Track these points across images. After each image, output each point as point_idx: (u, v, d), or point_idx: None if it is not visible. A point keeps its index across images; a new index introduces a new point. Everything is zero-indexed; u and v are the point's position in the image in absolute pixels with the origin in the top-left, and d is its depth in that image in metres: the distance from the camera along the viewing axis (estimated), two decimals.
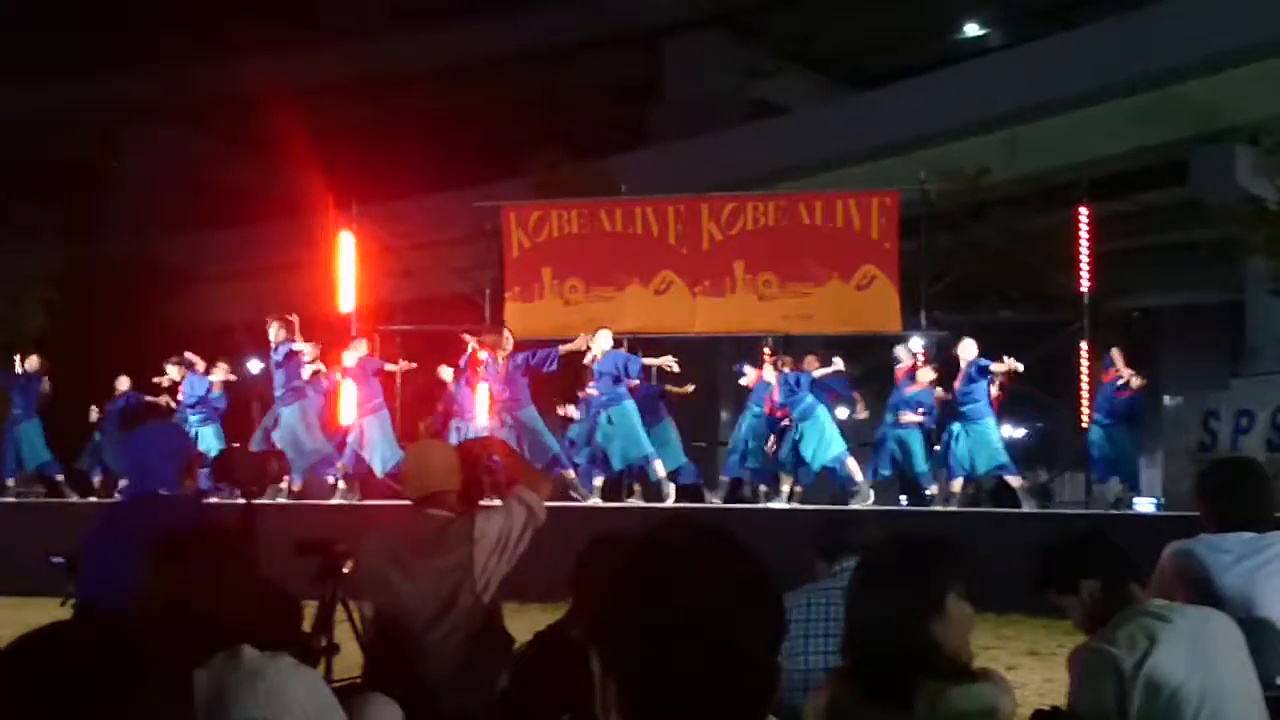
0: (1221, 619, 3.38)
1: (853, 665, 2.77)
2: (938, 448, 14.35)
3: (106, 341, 15.94)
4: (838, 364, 14.35)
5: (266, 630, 2.88)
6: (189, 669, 2.62)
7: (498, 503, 4.40)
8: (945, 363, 14.70)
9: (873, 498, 13.48)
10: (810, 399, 13.76)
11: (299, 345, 14.21)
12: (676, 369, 14.38)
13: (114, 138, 32.76)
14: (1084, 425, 14.76)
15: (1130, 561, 3.46)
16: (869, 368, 20.39)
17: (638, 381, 13.84)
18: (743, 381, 15.26)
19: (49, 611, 2.76)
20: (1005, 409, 14.67)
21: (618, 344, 14.77)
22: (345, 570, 4.51)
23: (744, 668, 1.45)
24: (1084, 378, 14.78)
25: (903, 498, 15.48)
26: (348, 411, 14.45)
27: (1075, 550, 3.52)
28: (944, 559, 2.77)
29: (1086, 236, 15.66)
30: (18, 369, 15.41)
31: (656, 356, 14.85)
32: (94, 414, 15.82)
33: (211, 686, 2.60)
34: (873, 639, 2.72)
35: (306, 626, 4.24)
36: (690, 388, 15.09)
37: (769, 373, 14.51)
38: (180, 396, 15.19)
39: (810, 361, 14.20)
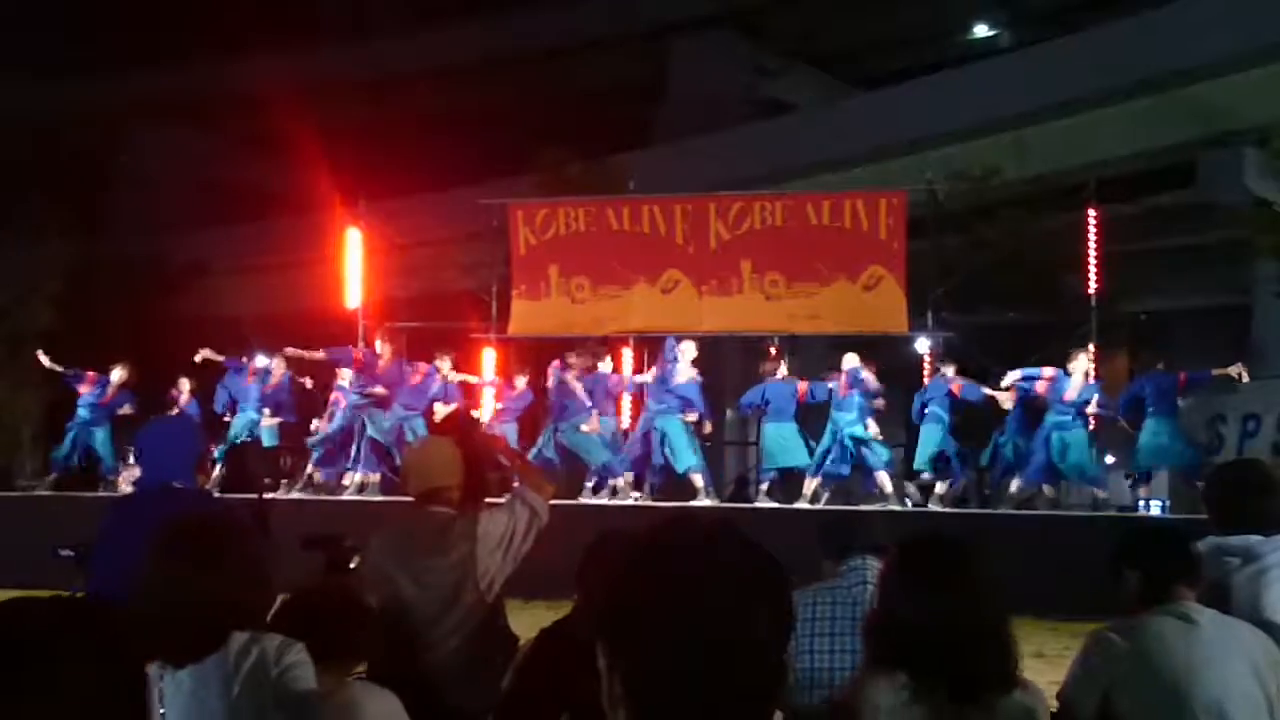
0: (1253, 633, 3.39)
1: (893, 663, 2.72)
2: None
3: (114, 337, 15.95)
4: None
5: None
6: (184, 657, 2.62)
7: (502, 501, 4.41)
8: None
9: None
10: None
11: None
12: None
13: (122, 135, 32.79)
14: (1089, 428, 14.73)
15: (1182, 561, 3.47)
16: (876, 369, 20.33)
17: None
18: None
19: None
20: (1006, 414, 14.62)
21: (623, 341, 14.83)
22: (352, 566, 4.52)
23: (751, 664, 1.44)
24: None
25: (907, 500, 15.46)
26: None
27: (1125, 541, 3.57)
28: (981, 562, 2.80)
29: (1094, 238, 15.66)
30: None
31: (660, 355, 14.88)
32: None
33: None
34: (939, 636, 2.70)
35: None
36: None
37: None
38: None
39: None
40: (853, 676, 2.79)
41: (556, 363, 14.63)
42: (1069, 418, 13.42)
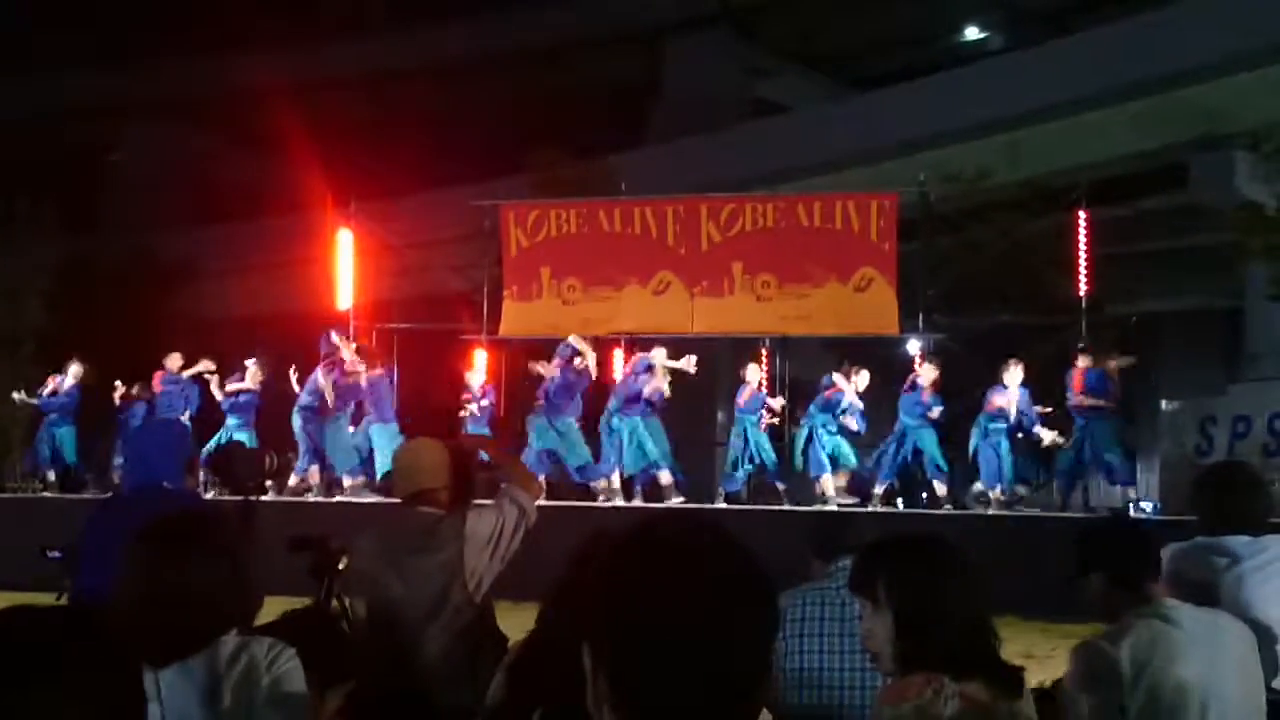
0: (1232, 623, 3.41)
1: (929, 665, 2.66)
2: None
3: (104, 336, 15.95)
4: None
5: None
6: (167, 656, 2.61)
7: (489, 502, 4.40)
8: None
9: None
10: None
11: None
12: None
13: (114, 133, 32.73)
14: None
15: (1146, 556, 3.47)
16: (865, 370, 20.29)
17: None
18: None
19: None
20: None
21: (614, 343, 14.83)
22: (340, 567, 4.51)
23: (736, 663, 1.45)
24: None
25: (899, 500, 15.47)
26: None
27: (1083, 543, 3.56)
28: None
29: (1085, 240, 15.69)
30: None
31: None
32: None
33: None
34: (986, 629, 2.71)
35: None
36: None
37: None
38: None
39: None
40: (894, 684, 2.75)
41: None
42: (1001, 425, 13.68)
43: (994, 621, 2.72)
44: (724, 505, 14.25)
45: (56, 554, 5.24)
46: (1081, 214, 15.86)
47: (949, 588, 2.71)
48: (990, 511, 13.69)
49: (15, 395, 16.53)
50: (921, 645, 2.66)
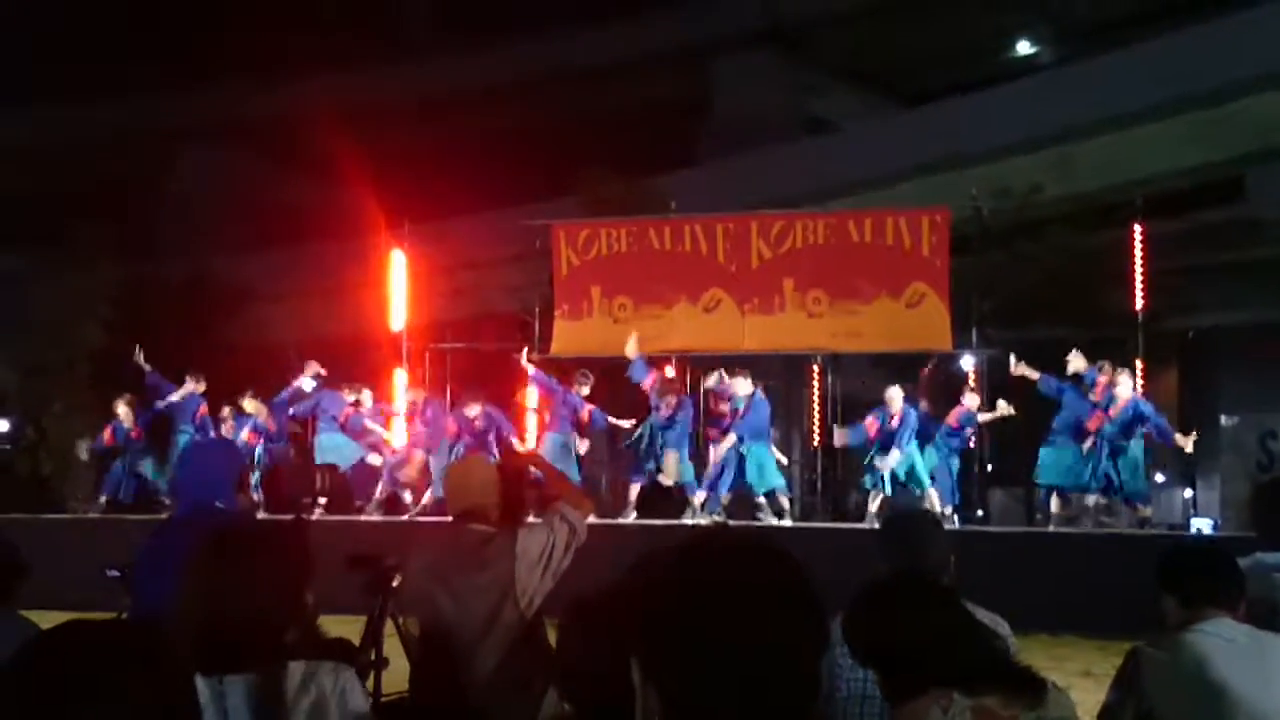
0: None
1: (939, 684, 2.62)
2: None
3: (163, 360, 16.14)
4: None
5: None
6: (224, 671, 2.63)
7: (539, 520, 4.41)
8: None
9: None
10: None
11: None
12: None
13: (171, 159, 33.21)
14: None
15: (1216, 585, 3.47)
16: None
17: None
18: None
19: None
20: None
21: (665, 360, 14.84)
22: (394, 585, 4.53)
23: (784, 675, 1.44)
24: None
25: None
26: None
27: (1162, 566, 3.60)
28: None
29: (1140, 254, 15.53)
30: None
31: (705, 374, 14.87)
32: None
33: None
34: (977, 642, 2.71)
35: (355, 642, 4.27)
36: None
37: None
38: None
39: None
40: (905, 709, 2.72)
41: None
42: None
43: (986, 632, 2.72)
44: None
45: (115, 572, 5.30)
46: (1137, 227, 15.70)
47: (910, 624, 2.68)
48: (1049, 529, 13.53)
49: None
50: (913, 683, 2.65)
